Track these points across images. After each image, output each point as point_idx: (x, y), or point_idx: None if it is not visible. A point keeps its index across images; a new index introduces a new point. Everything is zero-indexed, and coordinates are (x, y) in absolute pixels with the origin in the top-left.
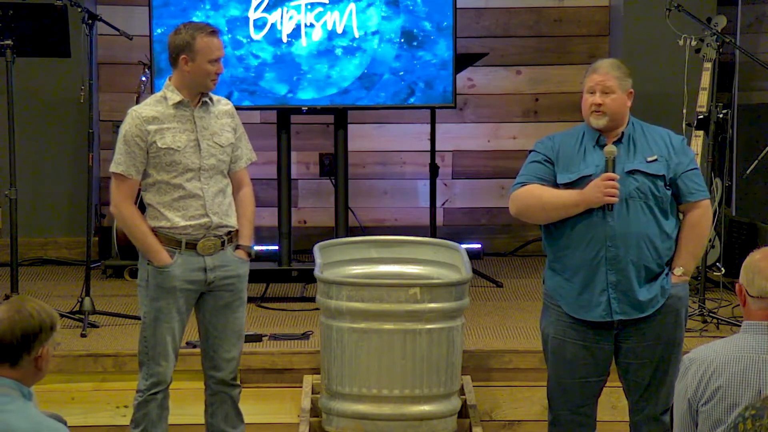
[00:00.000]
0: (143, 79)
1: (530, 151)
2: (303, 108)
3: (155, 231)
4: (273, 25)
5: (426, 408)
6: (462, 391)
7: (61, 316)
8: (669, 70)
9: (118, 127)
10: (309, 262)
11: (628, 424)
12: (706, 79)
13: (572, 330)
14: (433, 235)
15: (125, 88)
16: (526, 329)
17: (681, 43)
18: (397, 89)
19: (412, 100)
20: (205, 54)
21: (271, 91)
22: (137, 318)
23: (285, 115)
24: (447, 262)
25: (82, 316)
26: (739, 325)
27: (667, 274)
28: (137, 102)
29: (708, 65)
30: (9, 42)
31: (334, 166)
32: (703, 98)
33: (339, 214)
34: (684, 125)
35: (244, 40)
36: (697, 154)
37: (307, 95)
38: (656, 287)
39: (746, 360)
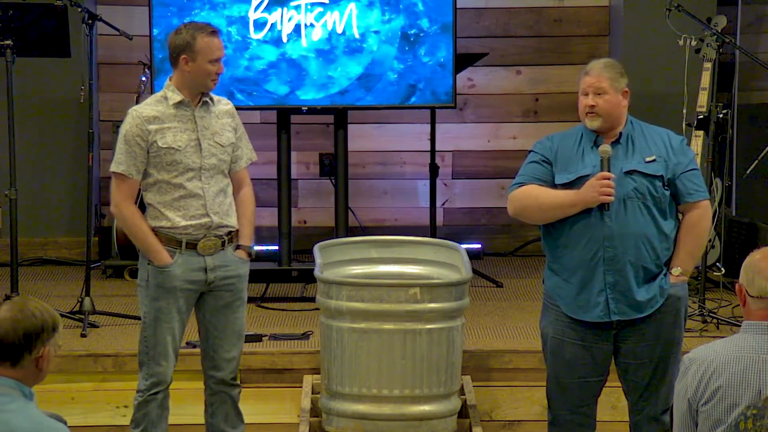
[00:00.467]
0: (143, 79)
1: (529, 152)
2: (303, 108)
3: (155, 231)
4: (273, 25)
5: (426, 408)
6: (462, 391)
7: (61, 316)
8: (669, 70)
9: (118, 127)
10: (309, 262)
11: (628, 424)
12: (706, 79)
13: (571, 330)
14: (433, 235)
15: (125, 88)
16: (526, 329)
17: (681, 43)
18: (397, 89)
19: (412, 100)
20: (205, 54)
21: (271, 91)
22: (137, 318)
23: (285, 115)
24: (447, 262)
25: (82, 316)
26: (739, 325)
27: (665, 275)
28: (137, 102)
29: (708, 65)
30: (9, 42)
31: (334, 166)
32: (703, 98)
33: (339, 214)
34: (684, 125)
35: (245, 40)
36: (697, 154)
37: (307, 95)
38: (655, 287)
39: (746, 360)
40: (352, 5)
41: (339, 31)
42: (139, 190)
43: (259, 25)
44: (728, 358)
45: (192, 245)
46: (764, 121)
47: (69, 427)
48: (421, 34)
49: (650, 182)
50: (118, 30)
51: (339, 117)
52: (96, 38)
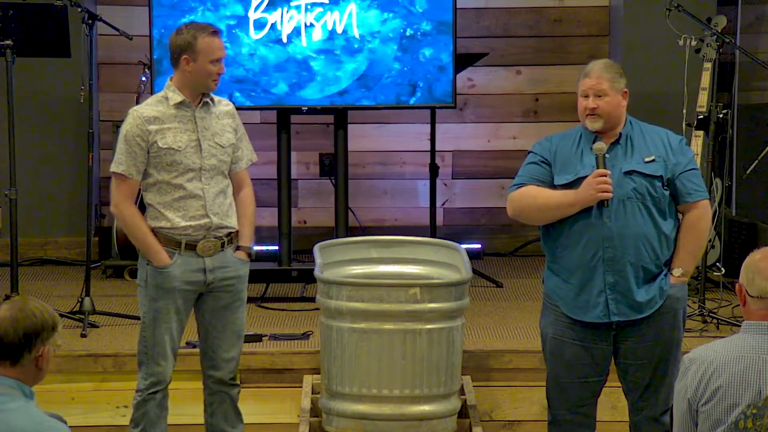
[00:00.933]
0: (143, 79)
1: (528, 153)
2: (303, 108)
3: (155, 231)
4: (273, 25)
5: (426, 408)
6: (462, 391)
7: (61, 316)
8: (669, 70)
9: (118, 127)
10: (309, 262)
11: (628, 425)
12: (706, 79)
13: (571, 330)
14: (433, 235)
15: (125, 88)
16: (526, 329)
17: (681, 43)
18: (397, 89)
19: (412, 100)
20: (206, 54)
21: (271, 91)
22: (137, 318)
23: (285, 115)
24: (447, 262)
25: (82, 316)
26: (739, 325)
27: (665, 275)
28: (137, 102)
29: (708, 65)
30: (9, 42)
31: (334, 166)
32: (703, 98)
33: (339, 214)
34: (684, 125)
35: (245, 40)
36: (697, 154)
37: (307, 95)
38: (654, 288)
39: (746, 360)
40: (352, 5)
41: (339, 31)
42: (139, 190)
43: (260, 25)
44: (728, 358)
45: (191, 246)
46: (764, 121)
47: (69, 427)
48: (421, 34)
49: (649, 182)
50: (118, 30)
51: (339, 117)
52: (96, 38)
